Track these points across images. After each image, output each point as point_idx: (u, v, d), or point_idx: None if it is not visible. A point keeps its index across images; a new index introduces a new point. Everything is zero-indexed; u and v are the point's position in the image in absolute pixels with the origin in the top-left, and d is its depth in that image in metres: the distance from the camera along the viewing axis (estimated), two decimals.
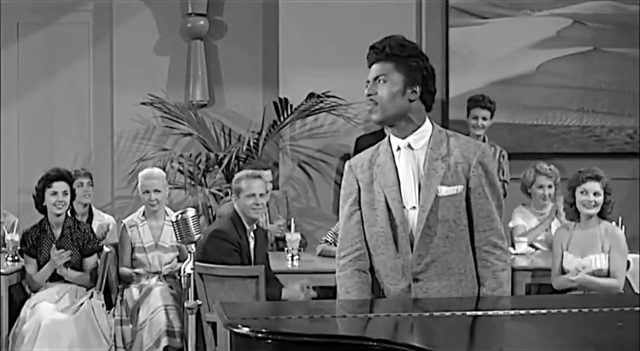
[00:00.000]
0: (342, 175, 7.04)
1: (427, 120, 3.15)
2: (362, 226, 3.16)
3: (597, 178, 5.17)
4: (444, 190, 3.06)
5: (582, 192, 5.18)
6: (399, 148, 3.12)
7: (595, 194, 5.16)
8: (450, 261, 3.09)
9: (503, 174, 6.64)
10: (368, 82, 3.12)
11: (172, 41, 7.54)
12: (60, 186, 5.70)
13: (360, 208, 3.16)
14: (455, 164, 3.08)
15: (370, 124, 6.99)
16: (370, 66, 3.14)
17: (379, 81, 3.09)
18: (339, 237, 3.23)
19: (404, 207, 3.08)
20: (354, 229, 3.17)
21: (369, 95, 3.09)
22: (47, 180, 5.70)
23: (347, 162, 3.25)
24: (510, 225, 6.32)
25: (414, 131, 3.11)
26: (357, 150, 6.88)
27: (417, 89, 3.09)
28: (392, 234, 3.09)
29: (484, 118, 6.67)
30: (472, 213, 3.10)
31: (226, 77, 7.58)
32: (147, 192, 5.90)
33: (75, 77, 7.63)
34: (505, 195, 6.51)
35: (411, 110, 3.09)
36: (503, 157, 6.69)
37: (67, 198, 5.74)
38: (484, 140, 6.68)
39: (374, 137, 6.82)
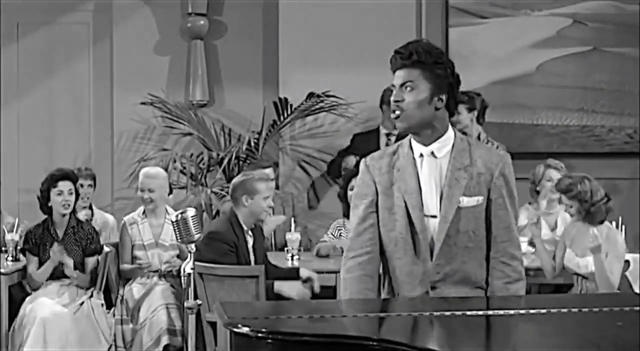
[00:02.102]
0: (339, 169, 7.01)
1: (450, 127, 3.12)
2: (378, 229, 3.13)
3: (564, 192, 5.18)
4: (465, 201, 3.05)
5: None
6: (421, 155, 3.09)
7: (568, 206, 5.17)
8: (468, 270, 3.09)
9: None
10: (394, 86, 3.07)
11: (172, 41, 7.54)
12: (65, 185, 5.73)
13: (376, 211, 3.13)
14: (478, 175, 3.07)
15: (369, 124, 6.99)
16: (394, 71, 3.09)
17: (406, 88, 3.05)
18: (349, 236, 3.20)
19: (425, 215, 3.06)
20: (368, 232, 3.13)
21: (396, 101, 3.05)
22: (52, 180, 5.72)
23: (364, 160, 3.21)
24: None
25: (437, 139, 3.08)
26: (352, 148, 6.89)
27: (444, 97, 3.07)
28: (412, 240, 3.07)
29: (459, 113, 6.63)
30: (492, 224, 3.09)
31: (226, 76, 7.58)
32: (142, 190, 5.94)
33: (75, 77, 7.63)
34: None
35: (436, 118, 3.07)
36: None
37: (73, 198, 5.77)
38: (479, 137, 6.68)
39: (370, 136, 6.82)
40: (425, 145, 3.09)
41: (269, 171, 6.21)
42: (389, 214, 3.11)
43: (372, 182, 3.14)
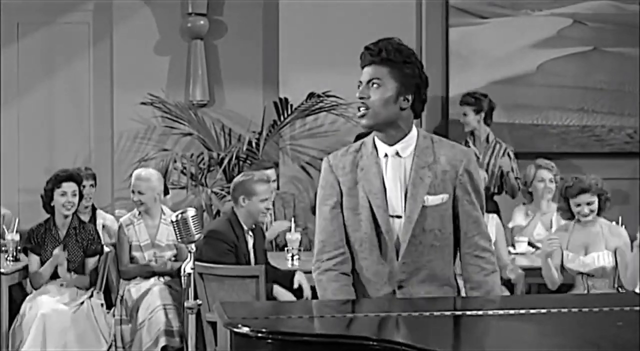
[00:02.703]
0: None
1: (414, 127, 3.11)
2: (345, 229, 3.11)
3: (586, 190, 5.18)
4: (430, 200, 3.04)
5: (576, 205, 5.20)
6: (385, 155, 3.08)
7: (588, 204, 5.19)
8: (434, 268, 3.08)
9: (513, 171, 6.63)
10: (360, 82, 3.07)
11: (172, 41, 7.54)
12: (69, 187, 5.75)
13: (342, 211, 3.11)
14: (443, 172, 3.06)
15: None
16: (363, 67, 3.08)
17: (372, 85, 3.04)
18: (318, 239, 3.16)
19: (390, 215, 3.05)
20: (337, 232, 3.11)
21: (361, 97, 3.05)
22: (56, 181, 5.73)
23: (326, 159, 3.18)
24: (510, 225, 6.32)
25: (401, 138, 3.07)
26: None
27: (410, 97, 3.05)
28: (377, 240, 3.07)
29: (465, 114, 6.68)
30: (460, 220, 3.09)
31: (226, 76, 7.58)
32: (133, 192, 5.99)
33: (75, 77, 7.63)
34: (520, 190, 6.52)
35: (401, 118, 3.05)
36: (509, 154, 6.67)
37: (76, 199, 5.79)
38: (487, 139, 6.69)
39: None
40: (390, 144, 3.08)
41: (270, 172, 6.21)
42: (353, 215, 3.09)
43: (336, 182, 3.12)
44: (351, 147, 3.18)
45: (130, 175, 7.00)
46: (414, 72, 3.04)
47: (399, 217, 3.05)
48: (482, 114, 6.68)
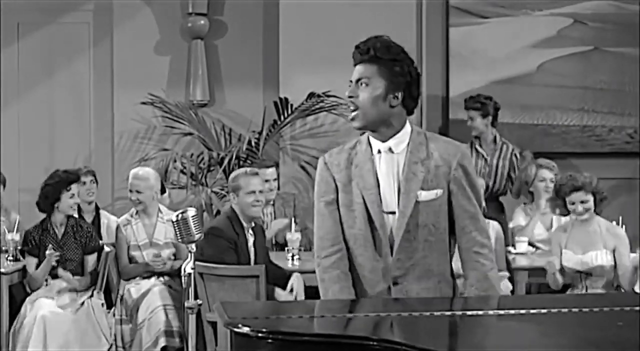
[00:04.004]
0: None
1: (407, 123, 3.11)
2: (341, 226, 3.12)
3: (580, 188, 5.18)
4: (423, 195, 3.04)
5: (571, 203, 5.20)
6: (379, 152, 3.09)
7: (582, 202, 5.18)
8: (430, 264, 3.08)
9: (515, 172, 6.63)
10: (351, 81, 3.07)
11: (173, 41, 7.54)
12: (76, 188, 5.80)
13: (338, 208, 3.12)
14: (436, 167, 3.06)
15: None
16: (355, 66, 3.09)
17: (361, 84, 3.05)
18: (316, 235, 3.17)
19: (383, 211, 3.05)
20: (334, 229, 3.12)
21: (350, 97, 3.05)
22: (66, 183, 5.73)
23: (322, 157, 3.19)
24: (511, 225, 6.32)
25: (394, 135, 3.07)
26: None
27: (399, 95, 3.04)
28: (372, 236, 3.07)
29: (472, 119, 6.68)
30: (456, 216, 3.09)
31: (226, 76, 7.58)
32: (130, 191, 6.00)
33: (76, 77, 7.63)
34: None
35: (392, 115, 3.05)
36: (516, 156, 6.67)
37: (79, 199, 5.86)
38: (495, 139, 6.69)
39: None
40: (383, 141, 3.08)
41: (270, 171, 6.22)
42: (347, 211, 3.10)
43: (332, 179, 3.13)
44: (346, 144, 3.19)
45: None
46: (402, 69, 3.04)
47: (392, 212, 3.06)
48: (490, 118, 6.68)
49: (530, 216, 6.23)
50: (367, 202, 3.06)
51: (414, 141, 3.08)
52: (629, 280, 5.15)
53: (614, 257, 5.16)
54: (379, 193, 3.06)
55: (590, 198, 5.18)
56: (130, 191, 5.99)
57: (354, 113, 3.05)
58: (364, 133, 3.19)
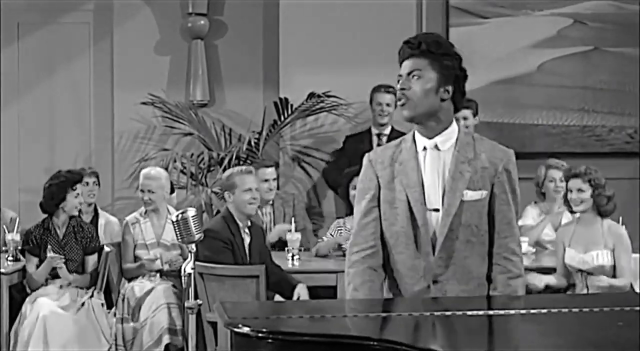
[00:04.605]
0: (332, 167, 6.93)
1: (454, 121, 3.12)
2: (380, 223, 3.13)
3: (577, 175, 5.18)
4: (469, 195, 3.05)
5: (569, 191, 5.20)
6: (424, 149, 3.09)
7: (578, 190, 5.17)
8: (470, 265, 3.08)
9: None
10: (400, 75, 3.08)
11: (173, 41, 7.54)
12: (81, 188, 5.82)
13: (378, 205, 3.13)
14: (482, 169, 3.07)
15: (365, 125, 6.97)
16: (402, 61, 3.10)
17: (413, 77, 3.05)
18: (352, 231, 3.19)
19: (427, 209, 3.06)
20: (371, 226, 3.13)
21: (402, 89, 3.06)
22: (72, 182, 5.73)
23: (367, 155, 3.20)
24: (520, 223, 6.32)
25: (441, 132, 3.08)
26: (344, 150, 6.89)
27: (450, 89, 3.06)
28: (413, 234, 3.07)
29: (465, 118, 6.63)
30: (495, 219, 3.09)
31: (226, 76, 7.58)
32: (142, 191, 5.98)
33: (76, 76, 7.63)
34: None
35: (442, 109, 3.07)
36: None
37: (82, 199, 5.87)
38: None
39: (361, 137, 6.81)
40: (429, 137, 3.09)
41: (270, 170, 6.23)
42: (390, 208, 3.10)
43: (375, 176, 3.14)
44: (392, 142, 3.21)
45: (131, 174, 7.02)
46: (453, 63, 3.07)
47: (436, 210, 3.06)
48: (477, 117, 6.68)
49: (542, 213, 6.22)
50: (411, 200, 3.06)
51: (461, 140, 3.09)
52: (632, 279, 5.13)
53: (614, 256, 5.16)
54: (423, 191, 3.06)
55: (588, 189, 5.16)
56: (142, 191, 5.98)
57: (403, 103, 3.05)
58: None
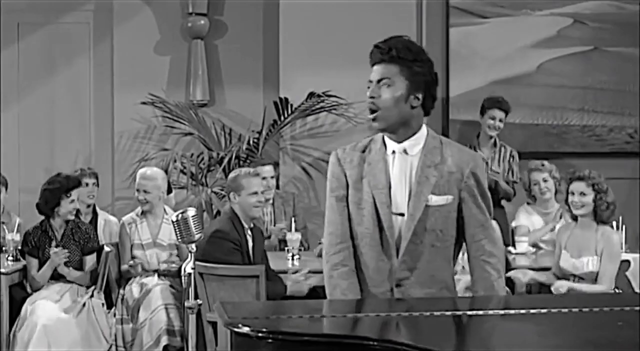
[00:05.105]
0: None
1: (424, 126, 3.10)
2: (349, 222, 3.12)
3: (581, 178, 5.15)
4: (434, 200, 3.03)
5: (571, 193, 5.18)
6: (393, 152, 3.08)
7: (581, 194, 5.14)
8: (434, 269, 3.08)
9: (513, 175, 6.63)
10: (370, 81, 3.06)
11: (173, 41, 7.54)
12: (76, 193, 5.80)
13: (347, 205, 3.12)
14: (449, 173, 3.05)
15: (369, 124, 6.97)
16: (373, 65, 3.07)
17: (383, 84, 3.03)
18: (327, 231, 3.16)
19: (392, 212, 3.05)
20: (344, 226, 3.12)
21: (372, 97, 3.03)
22: (65, 189, 5.73)
23: (334, 153, 3.18)
24: (513, 224, 6.33)
25: (410, 136, 3.07)
26: None
27: (420, 95, 3.03)
28: (379, 236, 3.06)
29: (500, 120, 6.63)
30: (466, 224, 3.08)
31: (226, 76, 7.58)
32: (138, 190, 6.00)
33: (76, 76, 7.63)
34: (515, 195, 6.54)
35: (412, 117, 3.05)
36: (513, 157, 6.67)
37: (78, 204, 5.87)
38: (495, 142, 6.67)
39: None
40: (398, 142, 3.07)
41: (268, 168, 6.23)
42: (357, 209, 3.09)
43: (343, 175, 3.12)
44: (360, 142, 3.18)
45: (131, 174, 7.01)
46: (423, 70, 3.03)
47: (401, 214, 3.05)
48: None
49: (531, 214, 6.23)
50: (377, 202, 3.05)
51: (428, 144, 3.07)
52: (607, 286, 5.07)
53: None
54: (390, 194, 3.05)
55: (590, 193, 5.12)
56: (138, 190, 5.99)
57: (375, 114, 3.03)
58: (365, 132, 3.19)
